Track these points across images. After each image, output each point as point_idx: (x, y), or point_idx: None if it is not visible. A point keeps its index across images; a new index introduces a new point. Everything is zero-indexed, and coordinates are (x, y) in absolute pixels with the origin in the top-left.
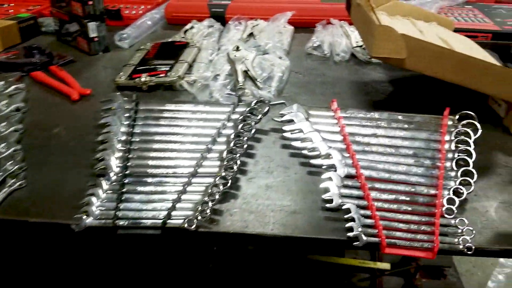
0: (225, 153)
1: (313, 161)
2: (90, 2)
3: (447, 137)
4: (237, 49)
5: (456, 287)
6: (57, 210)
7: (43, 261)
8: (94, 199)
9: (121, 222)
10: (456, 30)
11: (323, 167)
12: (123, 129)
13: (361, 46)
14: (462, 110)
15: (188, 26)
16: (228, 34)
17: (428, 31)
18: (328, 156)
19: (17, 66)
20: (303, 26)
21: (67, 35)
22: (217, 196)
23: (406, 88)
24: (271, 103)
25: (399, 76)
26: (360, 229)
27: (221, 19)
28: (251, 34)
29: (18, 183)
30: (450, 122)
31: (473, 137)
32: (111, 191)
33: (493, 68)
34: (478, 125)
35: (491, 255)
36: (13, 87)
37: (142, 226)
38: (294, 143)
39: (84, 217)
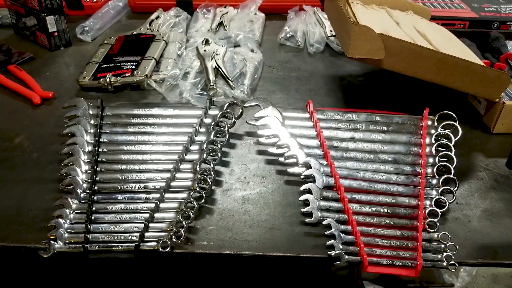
0: (198, 164)
1: (290, 170)
2: None
3: (427, 140)
4: (207, 42)
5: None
6: (22, 232)
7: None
8: (61, 221)
9: (92, 247)
10: (433, 18)
11: (301, 176)
12: (89, 138)
13: (335, 35)
14: (441, 106)
15: (153, 16)
16: (196, 23)
17: (405, 23)
18: (306, 165)
19: None
20: (275, 12)
21: (25, 29)
22: (191, 214)
23: (383, 81)
24: (244, 105)
25: (375, 68)
26: (341, 247)
27: (189, 5)
28: (220, 24)
29: None
30: (429, 123)
31: (453, 140)
32: (79, 211)
33: (473, 67)
34: (459, 127)
35: (474, 266)
36: None
37: (114, 250)
38: (270, 149)
39: (52, 242)
